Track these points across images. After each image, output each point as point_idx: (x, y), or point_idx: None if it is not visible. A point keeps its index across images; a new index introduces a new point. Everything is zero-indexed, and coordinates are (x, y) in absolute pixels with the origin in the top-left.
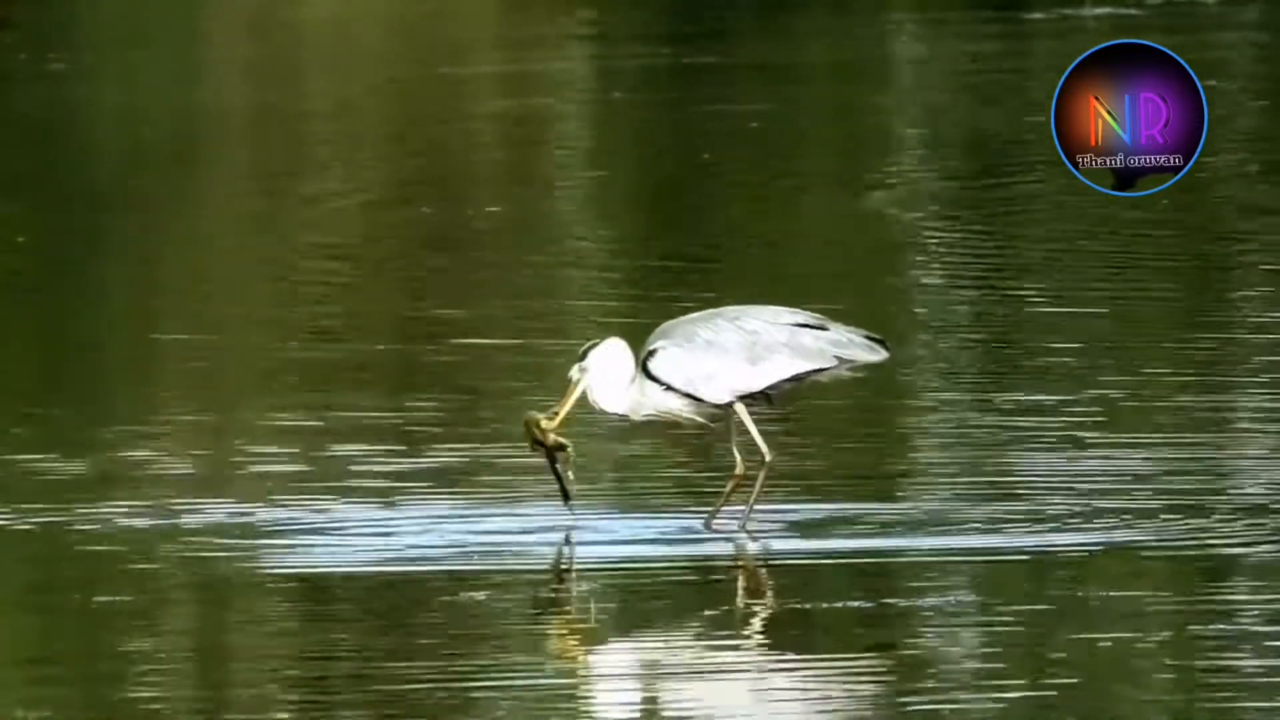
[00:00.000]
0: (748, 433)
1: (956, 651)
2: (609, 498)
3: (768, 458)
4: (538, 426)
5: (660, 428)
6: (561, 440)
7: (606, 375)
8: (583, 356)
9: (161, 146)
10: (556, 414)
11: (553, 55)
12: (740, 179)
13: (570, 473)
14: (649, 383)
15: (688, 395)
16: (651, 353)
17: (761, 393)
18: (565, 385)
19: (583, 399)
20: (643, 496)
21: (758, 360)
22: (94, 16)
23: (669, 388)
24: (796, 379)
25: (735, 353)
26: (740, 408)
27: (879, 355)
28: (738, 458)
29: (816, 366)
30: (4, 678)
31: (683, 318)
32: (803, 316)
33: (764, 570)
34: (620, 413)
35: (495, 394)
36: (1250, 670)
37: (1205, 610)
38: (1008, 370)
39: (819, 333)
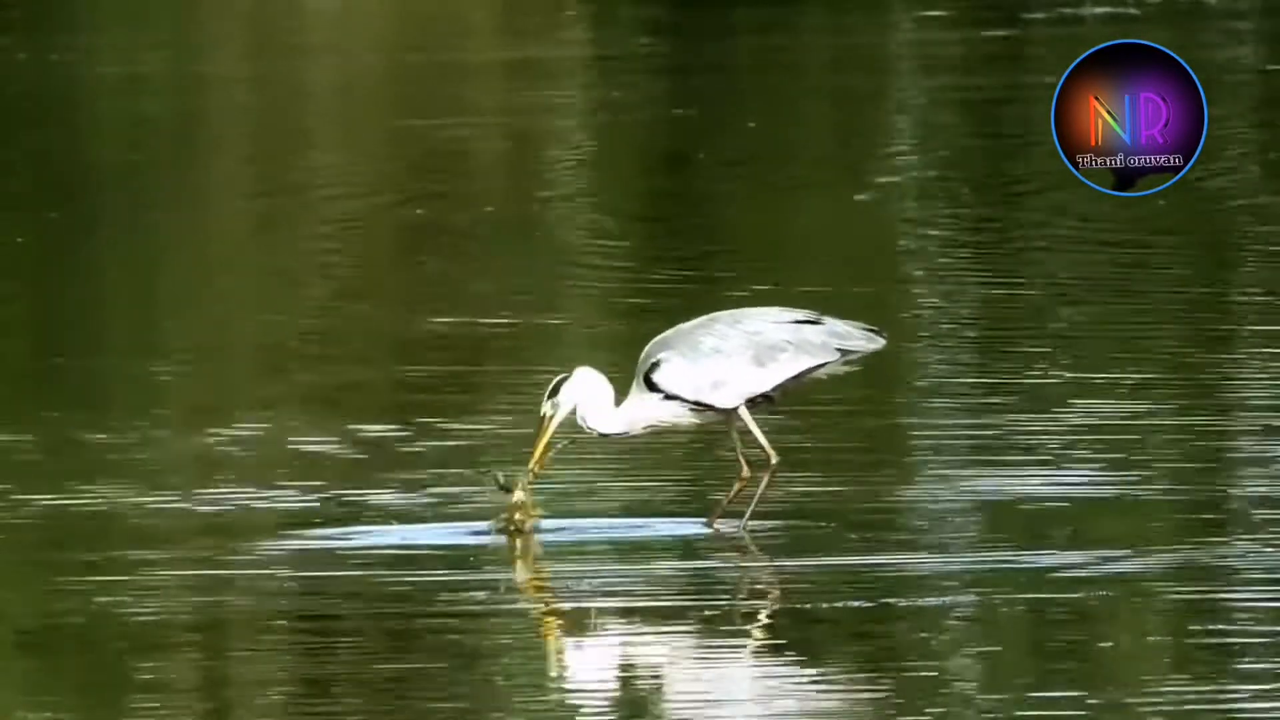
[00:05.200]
0: (750, 434)
1: (956, 653)
2: (607, 498)
3: (773, 460)
4: (519, 506)
5: (662, 435)
6: (529, 509)
7: (592, 401)
8: (553, 392)
9: (160, 144)
10: (532, 453)
11: (551, 51)
12: (738, 177)
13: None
14: (649, 394)
15: (695, 403)
16: (655, 365)
17: (765, 394)
18: (538, 424)
19: (574, 429)
20: (640, 495)
21: (765, 362)
22: (93, 7)
23: (671, 397)
24: (800, 376)
25: (741, 356)
26: (744, 411)
27: (877, 343)
28: (742, 462)
29: (821, 361)
30: (4, 678)
31: (680, 326)
32: (799, 313)
33: (763, 570)
34: (619, 432)
35: (492, 394)
36: (1251, 673)
37: (1205, 612)
38: (1007, 372)
39: (819, 327)
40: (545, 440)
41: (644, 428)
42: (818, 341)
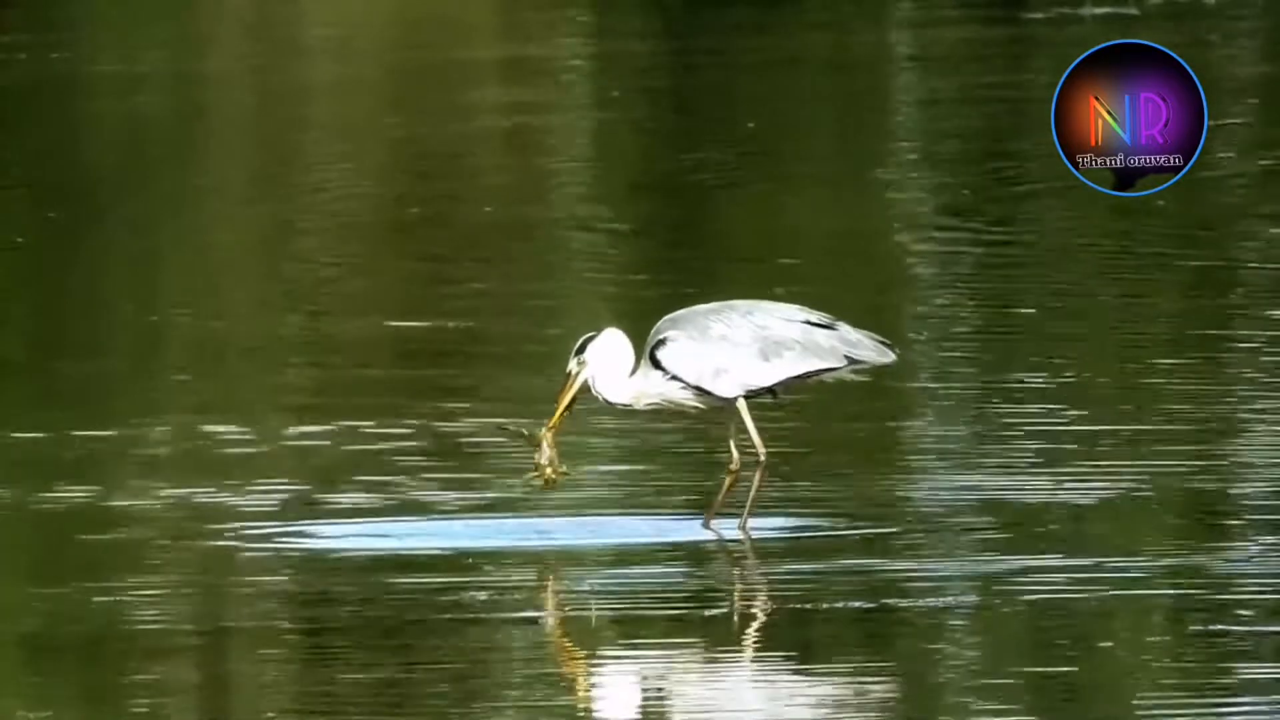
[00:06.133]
0: (745, 429)
1: (957, 654)
2: (606, 498)
3: (763, 457)
4: (540, 440)
5: (664, 416)
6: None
7: (608, 366)
8: (580, 350)
9: (160, 143)
10: (555, 408)
11: (550, 50)
12: (738, 177)
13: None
14: (654, 371)
15: (695, 387)
16: (661, 341)
17: (767, 388)
18: (563, 380)
19: (584, 391)
20: (640, 496)
21: (770, 356)
22: (93, 6)
23: (675, 378)
24: (804, 377)
25: (747, 347)
26: (743, 404)
27: (887, 358)
28: (734, 453)
29: (827, 365)
30: (5, 676)
31: (694, 308)
32: (813, 315)
33: (762, 571)
34: (624, 402)
35: (491, 395)
36: (1251, 673)
37: (1205, 613)
38: (1008, 373)
39: (830, 332)
40: (568, 398)
41: (647, 404)
42: (826, 346)
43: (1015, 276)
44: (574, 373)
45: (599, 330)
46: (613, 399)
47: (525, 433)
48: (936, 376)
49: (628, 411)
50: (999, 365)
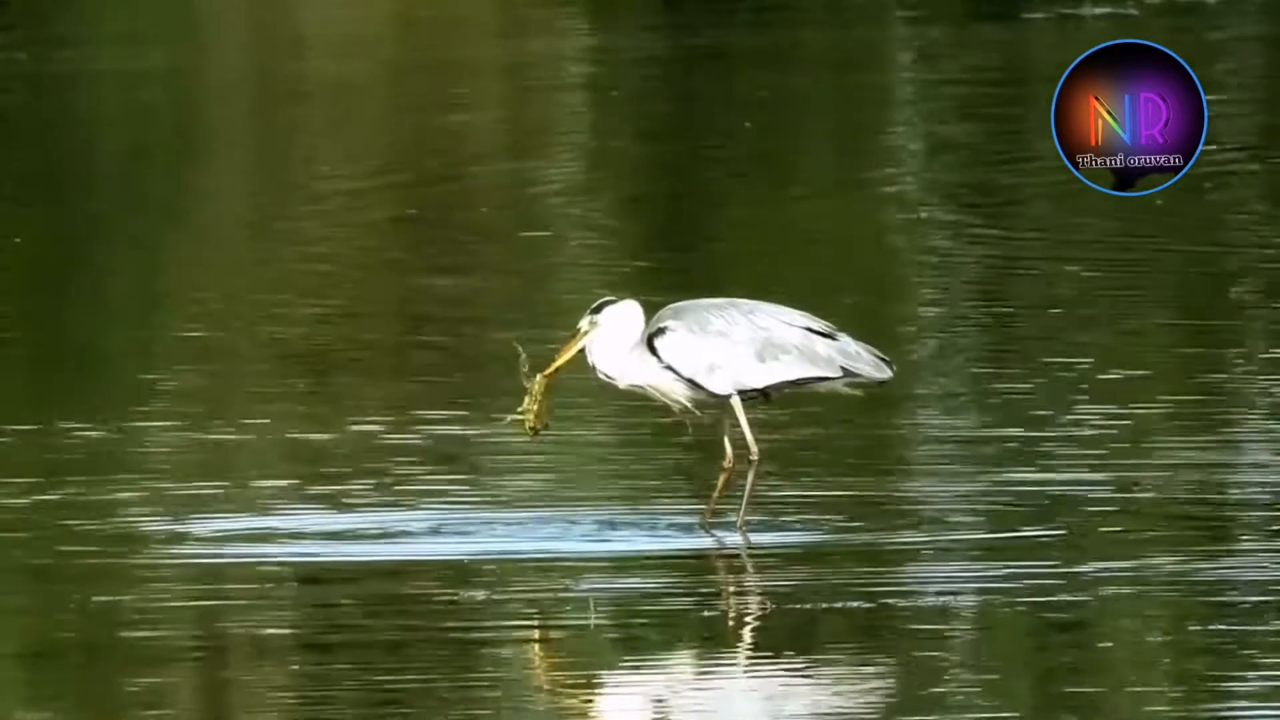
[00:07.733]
0: (739, 427)
1: (956, 654)
2: (605, 498)
3: (754, 456)
4: (534, 380)
5: (646, 401)
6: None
7: (613, 335)
8: (597, 310)
9: (159, 143)
10: (554, 360)
11: (548, 49)
12: (735, 176)
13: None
14: (650, 357)
15: (688, 381)
16: (661, 330)
17: (761, 390)
18: (571, 333)
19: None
20: (638, 496)
21: (765, 358)
22: (92, 5)
23: (669, 368)
24: (798, 383)
25: (744, 346)
26: (736, 401)
27: (884, 374)
28: (727, 449)
29: (822, 374)
30: (4, 678)
31: (696, 301)
32: (815, 322)
33: (761, 573)
34: (609, 374)
35: (489, 398)
36: (1251, 676)
37: (1205, 615)
38: (1008, 374)
39: (830, 341)
40: (571, 352)
41: (629, 384)
42: (824, 354)
43: (1014, 276)
44: (583, 330)
45: (620, 297)
46: (601, 366)
47: (526, 369)
48: (937, 377)
49: (608, 386)
50: (997, 366)
